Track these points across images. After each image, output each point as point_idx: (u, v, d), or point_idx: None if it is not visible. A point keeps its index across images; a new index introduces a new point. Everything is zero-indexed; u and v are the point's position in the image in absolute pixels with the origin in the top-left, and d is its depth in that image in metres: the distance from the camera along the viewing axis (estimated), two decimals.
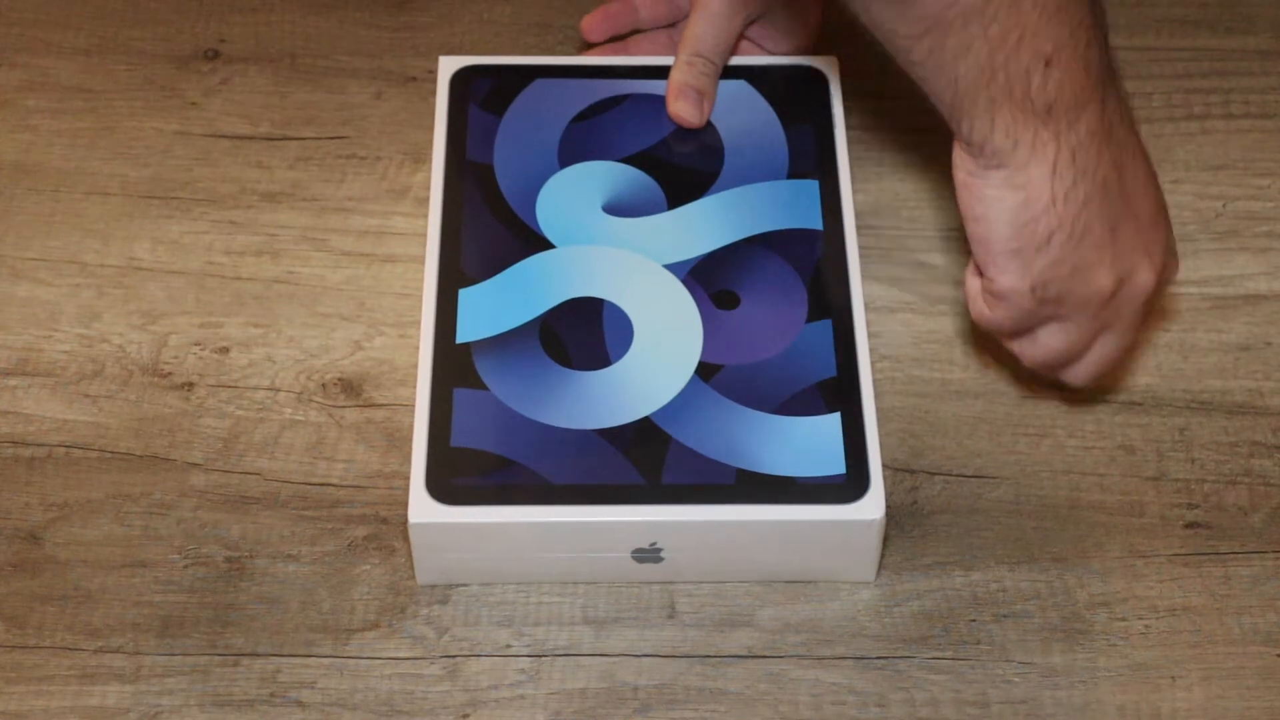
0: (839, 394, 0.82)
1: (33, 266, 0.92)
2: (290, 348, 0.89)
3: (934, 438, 0.86)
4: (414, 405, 0.86)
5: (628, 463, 0.80)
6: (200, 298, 0.91)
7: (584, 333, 0.84)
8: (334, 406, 0.87)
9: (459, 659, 0.80)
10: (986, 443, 0.86)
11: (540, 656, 0.80)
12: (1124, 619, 0.81)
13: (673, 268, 0.86)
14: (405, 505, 0.81)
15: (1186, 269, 0.92)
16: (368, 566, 0.82)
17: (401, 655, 0.80)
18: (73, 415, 0.86)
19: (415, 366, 0.87)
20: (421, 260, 0.91)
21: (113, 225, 0.93)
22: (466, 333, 0.84)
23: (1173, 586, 0.82)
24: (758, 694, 0.79)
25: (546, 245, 0.87)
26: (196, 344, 0.89)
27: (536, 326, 0.84)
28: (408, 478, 0.84)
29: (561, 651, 0.80)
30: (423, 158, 0.96)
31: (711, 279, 0.86)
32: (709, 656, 0.80)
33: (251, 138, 0.97)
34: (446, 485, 0.79)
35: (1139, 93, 0.99)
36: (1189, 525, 0.84)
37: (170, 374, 0.88)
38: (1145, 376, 0.88)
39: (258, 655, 0.80)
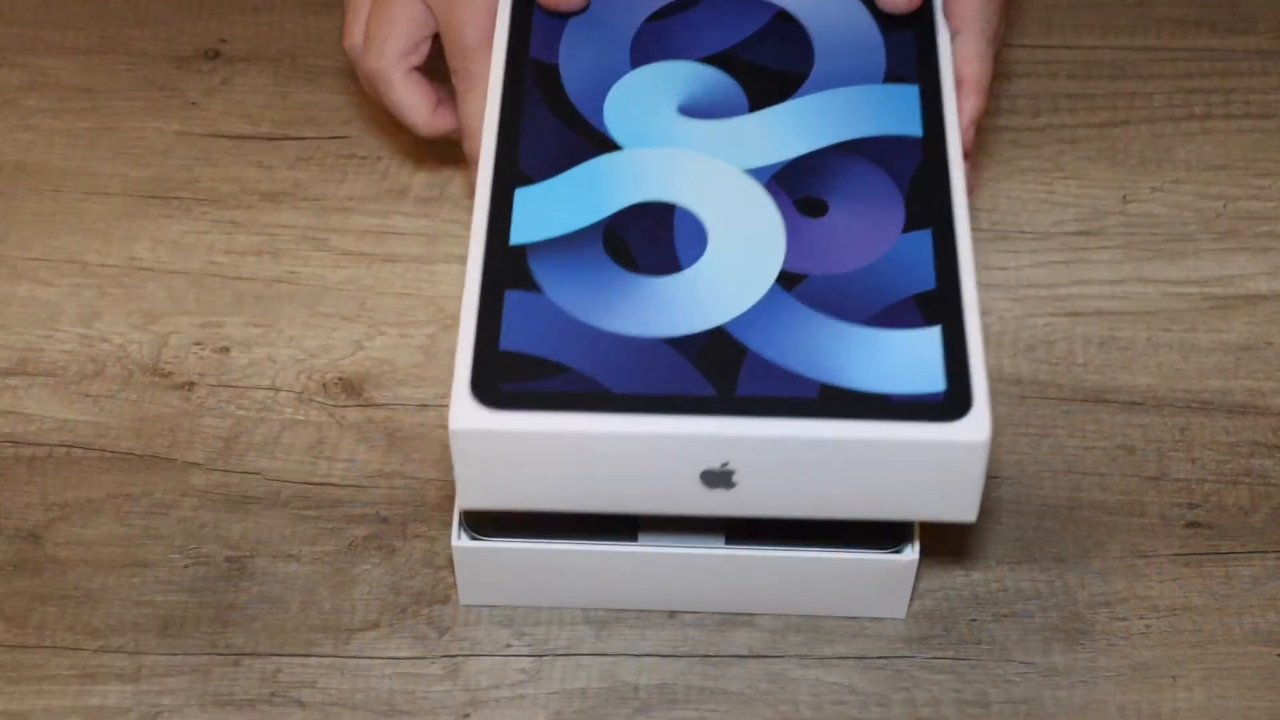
0: (939, 307, 0.74)
1: (33, 266, 0.92)
2: (291, 347, 0.89)
3: None
4: (415, 406, 0.86)
5: (698, 373, 0.72)
6: (201, 297, 0.91)
7: (652, 237, 0.76)
8: (335, 406, 0.87)
9: (459, 659, 0.80)
10: None
11: (541, 656, 0.80)
12: (1124, 619, 0.81)
13: (754, 173, 0.78)
14: (406, 505, 0.81)
15: (1187, 269, 0.92)
16: (368, 566, 0.82)
17: (402, 655, 0.80)
18: (73, 415, 0.86)
19: (417, 366, 0.87)
20: (423, 260, 0.91)
21: (113, 225, 0.93)
22: (521, 234, 0.76)
23: (1173, 586, 0.82)
24: (758, 694, 0.79)
25: (614, 147, 0.79)
26: (197, 344, 0.89)
27: (600, 229, 0.76)
28: (408, 477, 0.84)
29: (562, 651, 0.80)
30: (423, 158, 0.96)
31: (796, 185, 0.78)
32: (710, 656, 0.80)
33: (252, 137, 0.97)
34: (494, 389, 0.71)
35: (1139, 93, 0.99)
36: (1190, 525, 0.84)
37: (171, 374, 0.88)
38: (1145, 376, 0.88)
39: (258, 655, 0.80)
